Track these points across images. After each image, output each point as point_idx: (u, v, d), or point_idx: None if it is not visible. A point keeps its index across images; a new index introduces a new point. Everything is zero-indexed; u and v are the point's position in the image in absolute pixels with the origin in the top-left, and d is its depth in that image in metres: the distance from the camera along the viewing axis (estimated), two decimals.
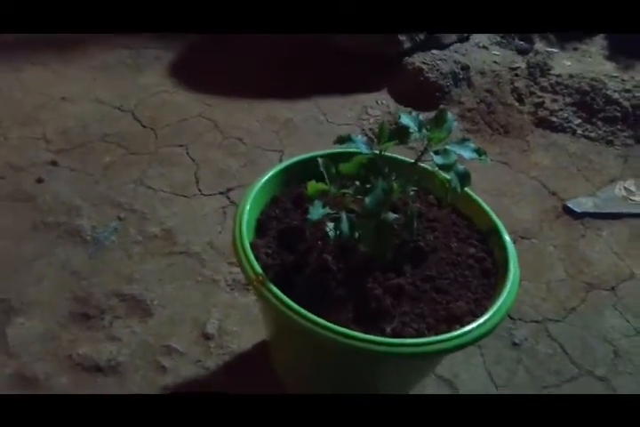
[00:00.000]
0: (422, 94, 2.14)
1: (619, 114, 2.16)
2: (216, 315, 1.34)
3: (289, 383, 1.19)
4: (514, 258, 0.99)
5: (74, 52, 2.07)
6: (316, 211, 0.91)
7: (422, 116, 0.95)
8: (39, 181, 1.58)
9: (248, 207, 0.99)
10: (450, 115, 0.96)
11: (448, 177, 0.91)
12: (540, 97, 2.22)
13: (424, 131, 0.94)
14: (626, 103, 2.17)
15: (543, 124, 2.16)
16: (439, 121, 0.95)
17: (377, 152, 0.92)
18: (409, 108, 2.13)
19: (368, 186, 0.92)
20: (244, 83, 2.07)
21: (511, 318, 1.46)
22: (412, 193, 1.00)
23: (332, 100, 2.07)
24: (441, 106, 0.85)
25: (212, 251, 1.46)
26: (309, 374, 1.10)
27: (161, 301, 1.35)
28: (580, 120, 2.17)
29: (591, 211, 1.83)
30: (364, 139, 0.96)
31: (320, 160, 0.96)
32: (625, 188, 1.97)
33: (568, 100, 2.20)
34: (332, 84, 2.11)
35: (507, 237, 1.02)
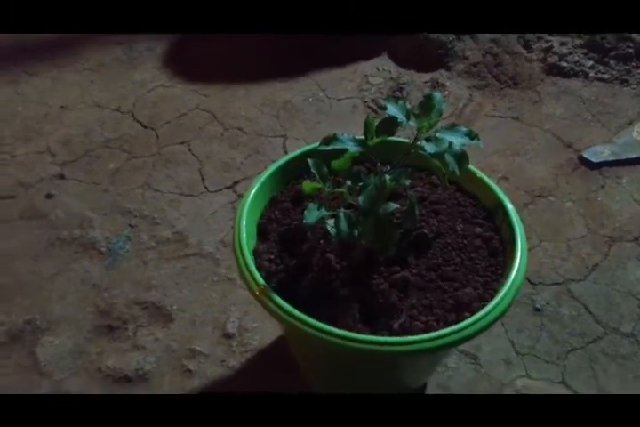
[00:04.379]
0: (424, 54, 2.08)
1: (632, 50, 2.08)
2: (235, 313, 1.36)
3: (310, 377, 1.22)
4: (521, 233, 0.97)
5: (68, 56, 2.05)
6: (312, 214, 0.90)
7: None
8: (49, 196, 1.60)
9: (246, 214, 0.99)
10: (438, 96, 0.93)
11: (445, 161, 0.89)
12: (549, 41, 2.13)
13: (412, 119, 0.91)
14: (639, 38, 2.08)
15: (553, 70, 2.08)
16: (427, 106, 0.92)
17: (366, 147, 0.91)
18: (411, 71, 2.07)
19: (360, 184, 0.91)
20: (237, 68, 2.03)
21: (531, 283, 1.45)
22: (407, 183, 0.98)
23: (331, 74, 2.02)
24: (434, 89, 0.82)
25: (225, 249, 1.47)
26: (326, 371, 1.12)
27: (180, 305, 1.38)
28: (591, 62, 2.09)
29: (609, 159, 1.78)
30: (350, 136, 0.94)
31: (310, 161, 0.94)
32: None
33: (577, 41, 2.11)
34: (328, 57, 2.05)
35: (513, 213, 1.00)
